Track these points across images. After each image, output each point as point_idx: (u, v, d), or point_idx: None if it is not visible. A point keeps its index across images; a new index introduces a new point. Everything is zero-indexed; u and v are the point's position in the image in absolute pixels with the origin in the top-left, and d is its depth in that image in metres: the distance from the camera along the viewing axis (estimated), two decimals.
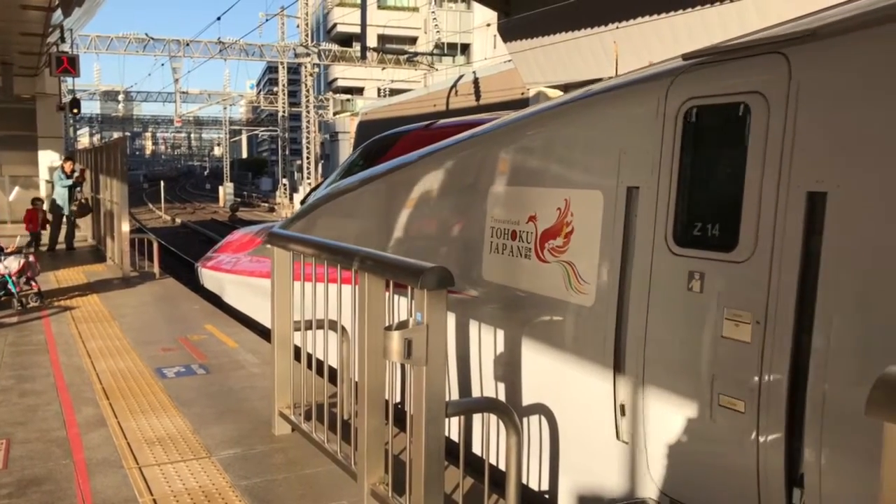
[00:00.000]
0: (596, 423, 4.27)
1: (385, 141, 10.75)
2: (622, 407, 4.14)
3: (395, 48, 41.65)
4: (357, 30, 34.10)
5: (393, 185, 6.77)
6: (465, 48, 52.60)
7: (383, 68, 43.91)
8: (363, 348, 3.79)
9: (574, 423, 4.50)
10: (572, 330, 4.52)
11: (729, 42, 3.97)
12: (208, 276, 11.83)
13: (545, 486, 4.77)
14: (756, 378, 3.44)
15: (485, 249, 5.30)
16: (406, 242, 6.46)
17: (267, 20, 37.24)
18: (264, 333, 8.21)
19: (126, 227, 12.76)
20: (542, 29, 16.35)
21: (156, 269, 12.87)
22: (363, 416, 3.88)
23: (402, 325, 3.29)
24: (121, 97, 71.08)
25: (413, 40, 55.20)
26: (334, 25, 56.42)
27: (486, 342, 5.07)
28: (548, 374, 4.63)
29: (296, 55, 44.78)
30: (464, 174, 5.77)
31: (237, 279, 10.53)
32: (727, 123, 3.80)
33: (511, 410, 3.63)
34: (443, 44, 44.56)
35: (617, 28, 13.96)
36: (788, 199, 3.44)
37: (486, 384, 5.13)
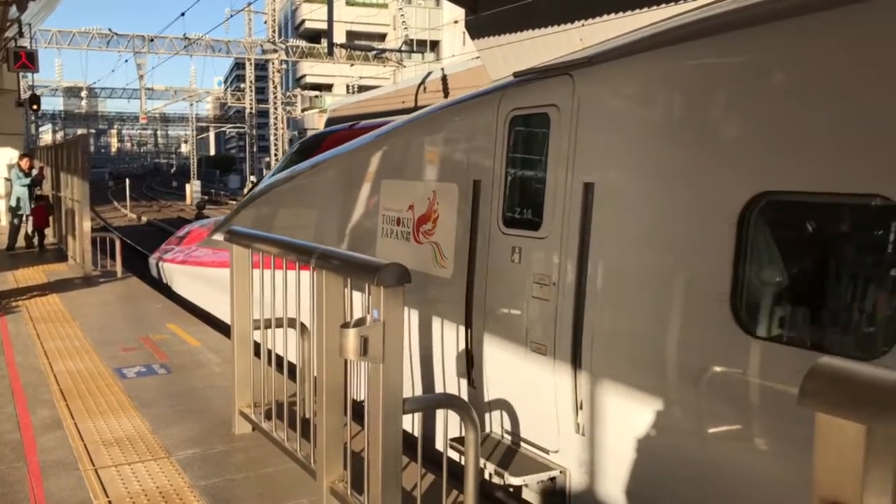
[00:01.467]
0: (454, 366, 5.49)
1: (316, 139, 12.01)
2: (470, 355, 5.20)
3: (364, 45, 41.48)
4: (325, 26, 33.90)
5: (310, 181, 8.02)
6: (435, 45, 52.55)
7: (352, 65, 43.71)
8: (321, 346, 3.78)
9: (442, 366, 5.70)
10: (439, 298, 5.58)
11: (543, 64, 5.01)
12: (158, 268, 13.01)
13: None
14: (553, 327, 4.52)
15: (378, 234, 6.43)
16: (320, 230, 7.61)
17: (232, 16, 36.85)
18: (227, 332, 8.46)
19: (88, 225, 12.53)
20: (509, 26, 16.39)
21: (118, 268, 12.68)
22: (322, 415, 3.86)
23: (360, 323, 3.27)
24: (84, 93, 69.84)
25: (382, 37, 55.04)
26: (302, 21, 56.06)
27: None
28: (427, 336, 5.82)
29: (263, 51, 44.42)
30: (362, 171, 6.84)
31: (183, 269, 11.56)
32: (535, 129, 4.90)
33: (469, 406, 3.64)
34: (412, 40, 44.48)
35: (583, 25, 14.04)
36: (572, 189, 4.49)
37: None
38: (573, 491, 4.58)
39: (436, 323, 5.66)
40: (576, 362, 4.39)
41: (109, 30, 39.99)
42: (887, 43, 3.16)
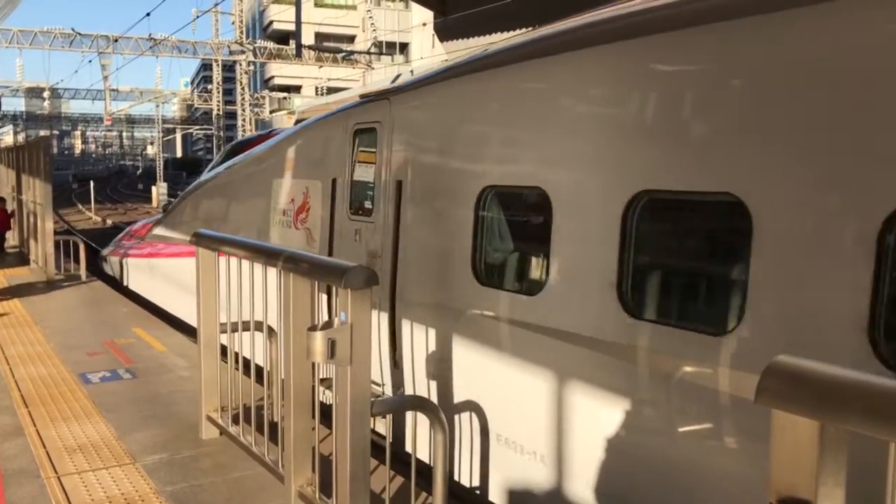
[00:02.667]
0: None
1: (242, 144, 13.51)
2: (330, 314, 6.25)
3: (332, 46, 41.30)
4: (294, 27, 33.70)
5: (225, 180, 9.78)
6: (404, 47, 52.51)
7: (320, 66, 43.51)
8: (289, 349, 3.76)
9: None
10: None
11: (377, 89, 6.65)
12: (108, 262, 14.42)
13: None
14: (380, 291, 5.59)
15: (271, 222, 8.07)
16: (232, 220, 9.26)
17: (199, 16, 36.44)
18: (175, 322, 9.61)
19: (50, 228, 12.32)
20: (478, 29, 16.45)
21: (82, 272, 12.47)
22: (290, 418, 3.85)
23: (327, 326, 3.27)
24: (46, 94, 68.56)
25: (351, 38, 54.86)
26: (270, 23, 55.65)
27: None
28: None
29: (231, 53, 44.01)
30: (260, 172, 8.61)
31: (128, 261, 13.11)
32: (369, 140, 6.35)
33: (437, 408, 3.65)
34: (381, 42, 44.42)
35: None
36: (391, 184, 5.93)
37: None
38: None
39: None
40: (392, 314, 5.76)
41: (72, 29, 39.34)
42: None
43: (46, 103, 76.92)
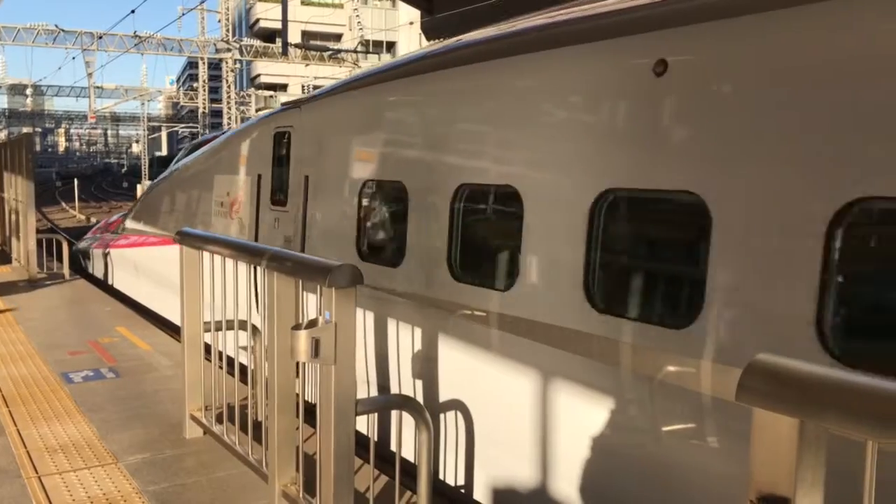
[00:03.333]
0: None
1: (200, 143, 14.53)
2: (256, 291, 6.10)
3: (319, 45, 41.19)
4: (280, 25, 33.54)
5: (178, 176, 11.31)
6: (391, 46, 52.43)
7: (307, 65, 43.37)
8: (273, 348, 3.74)
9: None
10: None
11: (294, 99, 8.00)
12: (80, 253, 15.70)
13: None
14: None
15: (212, 213, 9.43)
16: (184, 211, 10.63)
17: (184, 14, 36.24)
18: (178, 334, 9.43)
19: (33, 226, 12.20)
20: (465, 28, 16.40)
21: (65, 271, 12.37)
22: (273, 417, 3.83)
23: (311, 324, 3.25)
24: (29, 91, 67.91)
25: (338, 37, 54.70)
26: (257, 21, 55.38)
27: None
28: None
29: (217, 51, 43.79)
30: (206, 169, 9.96)
31: (96, 252, 14.57)
32: (285, 142, 7.51)
33: (422, 407, 3.65)
34: (367, 41, 44.34)
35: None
36: (301, 179, 7.09)
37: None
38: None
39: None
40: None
41: (56, 26, 39.00)
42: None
43: (29, 100, 76.25)
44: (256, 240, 7.76)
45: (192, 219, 10.04)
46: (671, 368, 3.75)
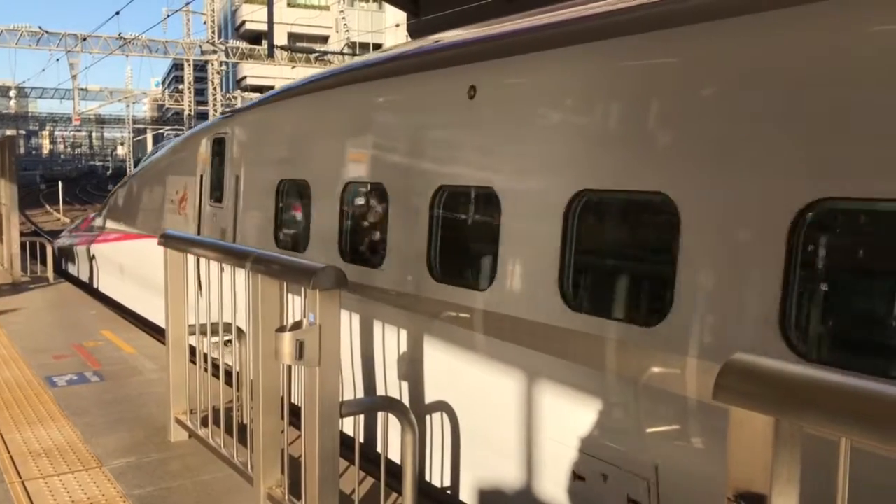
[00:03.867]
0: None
1: (159, 147, 16.01)
2: (199, 278, 7.38)
3: (305, 47, 41.11)
4: (266, 27, 33.42)
5: (138, 177, 12.80)
6: (378, 48, 52.37)
7: (293, 67, 43.26)
8: (257, 350, 3.74)
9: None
10: None
11: (231, 109, 9.74)
12: (58, 251, 16.48)
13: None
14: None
15: (165, 210, 10.75)
16: (142, 209, 12.08)
17: (169, 16, 36.07)
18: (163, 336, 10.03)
19: (16, 229, 12.11)
20: (451, 29, 16.41)
21: (49, 274, 12.28)
22: (258, 419, 3.83)
23: (296, 326, 3.26)
24: (12, 93, 67.36)
25: (324, 39, 54.58)
26: (243, 22, 55.14)
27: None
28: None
29: (202, 52, 43.61)
30: (160, 170, 11.40)
31: (70, 249, 15.96)
32: (222, 147, 8.80)
33: (407, 409, 3.66)
34: (354, 43, 44.29)
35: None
36: (233, 179, 8.40)
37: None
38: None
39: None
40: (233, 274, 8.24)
41: (39, 27, 38.73)
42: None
43: (13, 102, 75.60)
44: (199, 232, 9.17)
45: (150, 216, 11.44)
46: (654, 369, 3.81)
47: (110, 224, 13.41)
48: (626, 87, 4.17)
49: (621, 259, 4.42)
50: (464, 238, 5.56)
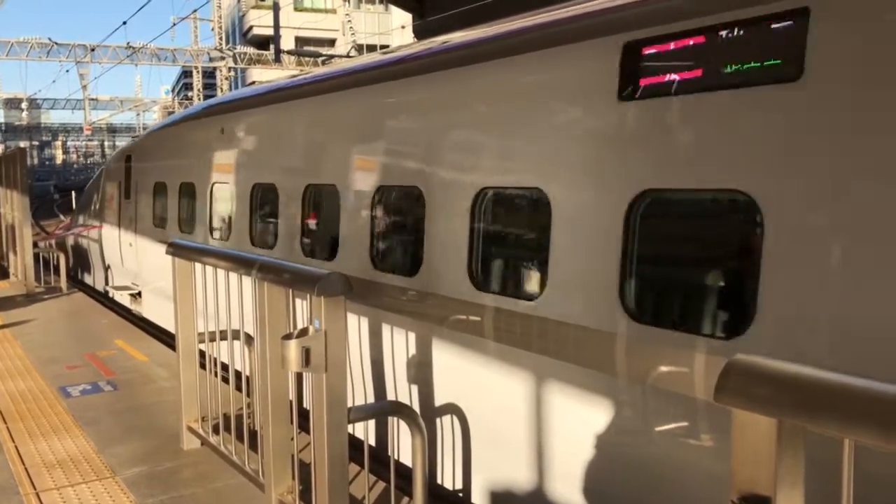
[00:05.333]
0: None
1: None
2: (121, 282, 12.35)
3: (311, 51, 41.18)
4: (273, 31, 33.53)
5: (94, 184, 15.93)
6: (384, 49, 52.32)
7: (301, 70, 43.33)
8: (265, 358, 3.75)
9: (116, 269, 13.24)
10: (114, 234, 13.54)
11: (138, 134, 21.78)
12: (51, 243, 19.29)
13: None
14: (131, 238, 12.54)
15: (104, 208, 14.20)
16: (94, 210, 15.29)
17: (175, 24, 36.25)
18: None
19: (29, 241, 12.20)
20: (457, 30, 16.39)
21: (63, 284, 12.37)
22: (268, 426, 3.83)
23: (302, 333, 3.26)
24: (25, 105, 67.94)
25: (331, 42, 54.65)
26: (250, 28, 55.33)
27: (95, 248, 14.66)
28: (112, 249, 13.87)
29: (210, 59, 43.81)
30: (101, 178, 15.11)
31: (60, 241, 18.73)
32: (129, 161, 12.95)
33: (415, 413, 3.65)
34: (361, 45, 44.32)
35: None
36: (134, 182, 12.41)
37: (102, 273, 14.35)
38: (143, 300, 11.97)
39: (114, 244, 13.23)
40: (135, 256, 12.06)
41: (49, 39, 39.02)
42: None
43: (25, 114, 76.26)
44: (119, 221, 13.00)
45: (97, 212, 15.03)
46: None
47: (80, 220, 17.34)
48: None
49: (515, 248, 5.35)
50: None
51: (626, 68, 3.99)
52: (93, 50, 39.12)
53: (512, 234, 5.36)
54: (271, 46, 45.28)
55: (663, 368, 3.78)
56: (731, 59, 3.54)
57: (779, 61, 3.33)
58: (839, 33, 3.12)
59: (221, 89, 44.04)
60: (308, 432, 4.29)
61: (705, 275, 3.91)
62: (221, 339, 4.61)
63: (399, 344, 5.84)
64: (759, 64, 3.42)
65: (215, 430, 4.70)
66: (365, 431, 4.36)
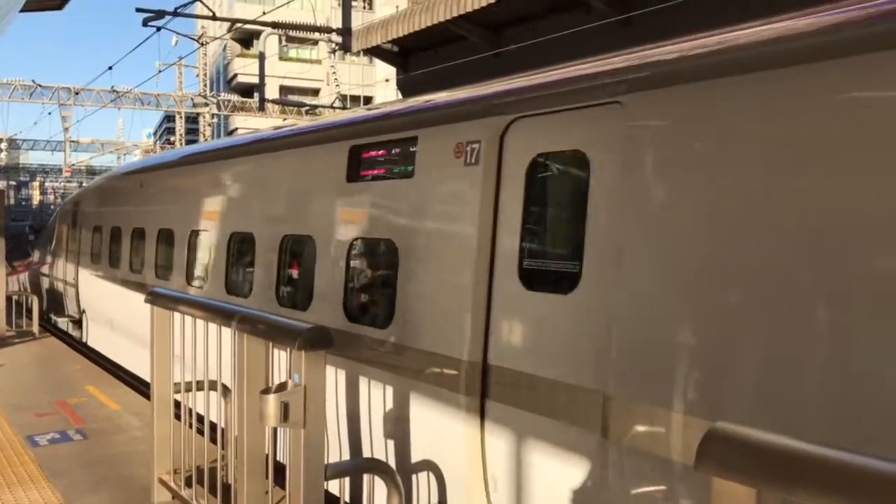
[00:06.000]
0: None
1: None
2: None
3: (295, 101, 41.58)
4: (258, 80, 33.76)
5: (49, 228, 18.50)
6: (368, 101, 53.02)
7: (284, 119, 43.66)
8: (242, 410, 3.70)
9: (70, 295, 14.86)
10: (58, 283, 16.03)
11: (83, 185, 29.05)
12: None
13: None
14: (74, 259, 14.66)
15: (56, 246, 16.35)
16: (49, 249, 17.11)
17: (162, 70, 36.53)
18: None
19: (2, 284, 12.03)
20: (438, 85, 16.72)
21: (35, 328, 12.16)
22: (242, 480, 3.77)
23: (281, 388, 3.24)
24: (4, 145, 67.60)
25: (315, 91, 55.26)
26: (235, 76, 55.86)
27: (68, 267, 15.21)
28: (61, 272, 15.78)
29: (194, 105, 44.04)
30: (55, 220, 17.60)
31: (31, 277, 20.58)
32: (76, 206, 15.08)
33: (392, 471, 3.62)
34: (345, 96, 44.81)
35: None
36: (81, 222, 14.30)
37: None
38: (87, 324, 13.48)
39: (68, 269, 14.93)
40: (77, 273, 14.04)
41: (33, 81, 39.09)
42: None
43: (3, 154, 75.84)
44: (66, 254, 14.92)
45: (52, 251, 16.68)
46: None
47: (37, 257, 19.43)
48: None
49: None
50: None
51: (351, 162, 6.03)
52: (77, 93, 39.22)
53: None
54: (255, 94, 45.64)
55: None
56: (395, 163, 5.67)
57: (408, 167, 5.35)
58: (426, 150, 5.21)
59: (204, 135, 44.21)
60: (283, 487, 4.22)
61: (372, 287, 5.96)
62: (198, 389, 4.56)
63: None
64: (401, 168, 5.51)
65: (188, 482, 4.60)
66: (340, 488, 4.30)
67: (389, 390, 5.13)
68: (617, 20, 11.48)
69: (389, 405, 5.10)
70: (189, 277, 8.87)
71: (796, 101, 3.13)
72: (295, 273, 6.89)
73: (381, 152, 5.89)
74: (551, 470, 4.17)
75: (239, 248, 7.78)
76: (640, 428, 3.49)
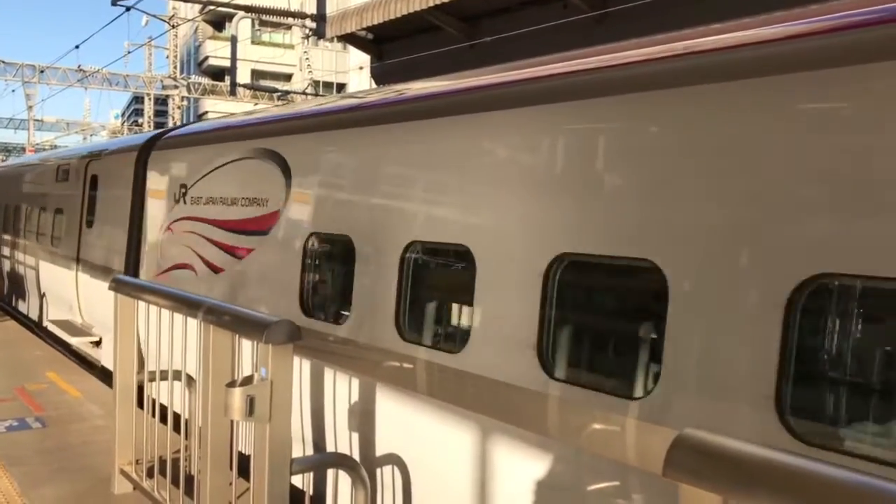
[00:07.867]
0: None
1: None
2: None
3: (268, 86, 41.07)
4: (229, 63, 33.28)
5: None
6: (341, 87, 52.59)
7: (256, 103, 43.15)
8: (207, 403, 3.65)
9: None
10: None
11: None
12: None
13: None
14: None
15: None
16: None
17: (130, 52, 35.85)
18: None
19: None
20: (414, 74, 16.66)
21: None
22: (206, 472, 3.72)
23: (246, 381, 3.19)
24: None
25: (288, 77, 54.71)
26: (206, 58, 55.08)
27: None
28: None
29: (163, 87, 43.32)
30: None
31: None
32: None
33: (359, 465, 3.59)
34: (317, 82, 44.39)
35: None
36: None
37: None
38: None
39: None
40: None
41: None
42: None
43: None
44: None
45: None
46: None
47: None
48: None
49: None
50: None
51: None
52: (42, 71, 38.32)
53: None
54: (226, 77, 45.00)
55: None
56: None
57: None
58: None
59: (173, 118, 43.53)
60: (247, 479, 4.17)
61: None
62: (162, 378, 4.49)
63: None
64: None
65: (150, 473, 4.54)
66: (303, 482, 4.27)
67: None
68: (592, 16, 11.50)
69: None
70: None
71: None
72: None
73: None
74: None
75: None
76: None
